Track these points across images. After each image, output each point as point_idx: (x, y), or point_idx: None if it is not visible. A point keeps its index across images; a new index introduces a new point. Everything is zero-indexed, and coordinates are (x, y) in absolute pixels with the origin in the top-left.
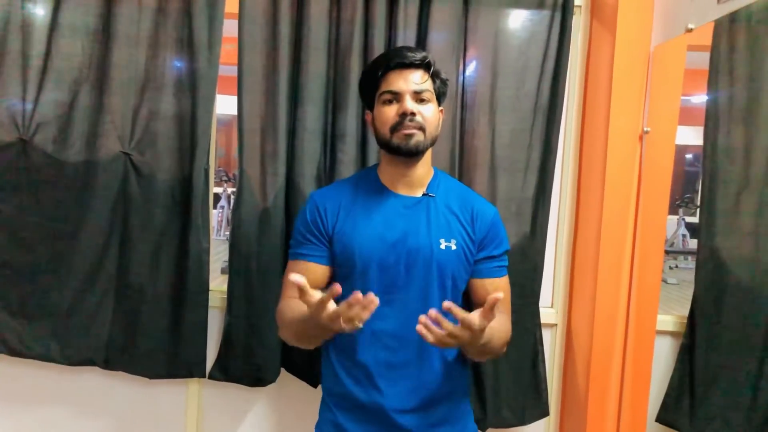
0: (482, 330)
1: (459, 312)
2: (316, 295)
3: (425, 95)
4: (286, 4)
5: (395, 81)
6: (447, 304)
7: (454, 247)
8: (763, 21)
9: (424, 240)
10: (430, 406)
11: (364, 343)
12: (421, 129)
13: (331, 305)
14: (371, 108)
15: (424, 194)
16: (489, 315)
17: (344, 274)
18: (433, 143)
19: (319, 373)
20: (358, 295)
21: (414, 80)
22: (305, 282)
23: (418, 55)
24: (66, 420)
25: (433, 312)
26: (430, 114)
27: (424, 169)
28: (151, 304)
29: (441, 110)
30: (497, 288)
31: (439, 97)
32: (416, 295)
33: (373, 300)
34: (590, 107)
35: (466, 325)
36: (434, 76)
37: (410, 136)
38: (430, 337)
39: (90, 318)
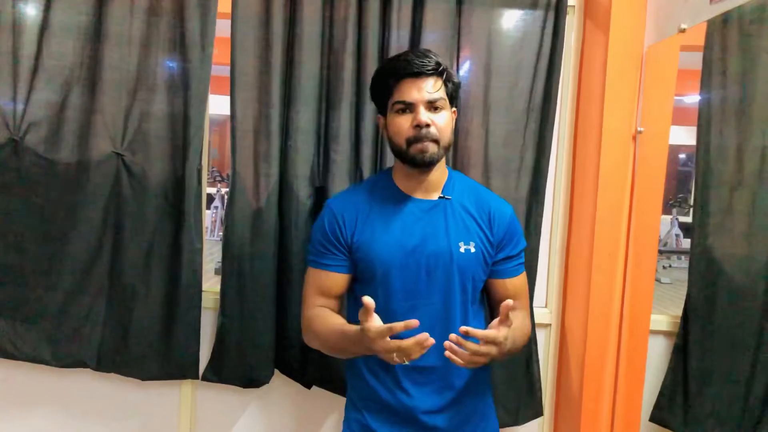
0: (506, 338)
1: (479, 333)
2: (377, 320)
3: (439, 103)
4: (279, 3)
5: (408, 91)
6: (464, 329)
7: (473, 250)
8: (755, 21)
9: (443, 244)
10: (456, 405)
11: None
12: (436, 141)
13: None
14: (383, 113)
15: (440, 197)
16: (507, 322)
17: (366, 281)
18: (448, 150)
19: (312, 374)
20: (425, 335)
21: (427, 89)
22: (373, 304)
23: (431, 63)
24: (58, 422)
25: (453, 336)
26: (443, 122)
27: (439, 173)
28: (143, 305)
29: (454, 111)
30: (516, 286)
31: (452, 99)
32: (438, 299)
33: (432, 342)
34: (583, 107)
35: (490, 342)
36: (446, 80)
37: (425, 149)
38: (459, 362)
39: (82, 319)
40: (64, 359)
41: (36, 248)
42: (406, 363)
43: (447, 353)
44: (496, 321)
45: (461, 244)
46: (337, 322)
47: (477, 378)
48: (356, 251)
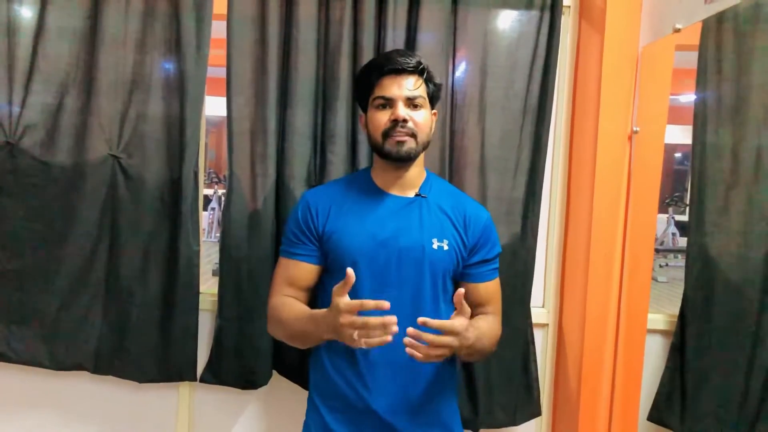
0: (465, 329)
1: (435, 323)
2: (347, 298)
3: (418, 101)
4: (275, 5)
5: (389, 87)
6: (421, 319)
7: (446, 248)
8: (749, 21)
9: (416, 239)
10: (419, 407)
11: None
12: (413, 135)
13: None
14: (365, 111)
15: (416, 195)
16: (462, 309)
17: (335, 271)
18: (425, 148)
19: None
20: (392, 318)
21: (407, 86)
22: (354, 277)
23: (412, 61)
24: (55, 426)
25: (411, 330)
26: (422, 119)
27: (416, 171)
28: (140, 308)
29: (434, 113)
30: (489, 290)
31: (432, 100)
32: (408, 294)
33: (396, 331)
34: (579, 107)
35: (449, 332)
36: (427, 80)
37: (402, 143)
38: (418, 356)
39: (79, 322)
40: (62, 362)
41: (32, 251)
42: (365, 348)
43: (408, 349)
44: (454, 314)
45: (434, 240)
46: (303, 307)
47: (443, 382)
48: (327, 241)
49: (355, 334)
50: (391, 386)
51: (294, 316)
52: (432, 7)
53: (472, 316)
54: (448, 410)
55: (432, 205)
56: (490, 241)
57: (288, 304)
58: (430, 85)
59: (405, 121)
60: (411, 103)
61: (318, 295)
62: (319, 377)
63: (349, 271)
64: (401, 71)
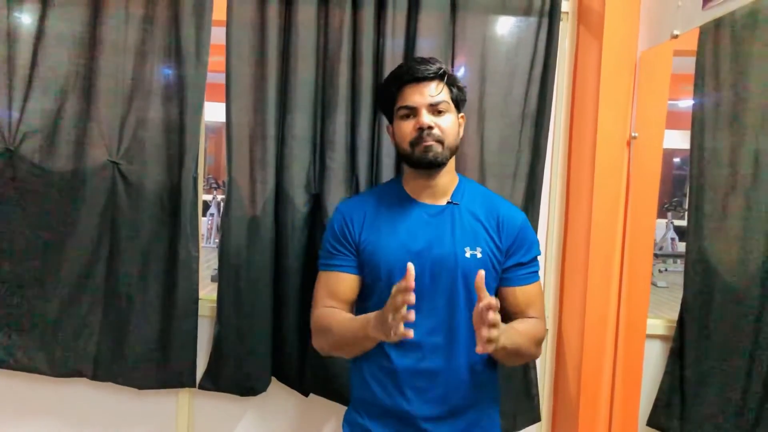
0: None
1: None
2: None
3: (442, 106)
4: (274, 11)
5: (410, 95)
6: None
7: (479, 255)
8: (747, 26)
9: (449, 248)
10: (458, 414)
11: (393, 351)
12: (439, 141)
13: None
14: (391, 121)
15: (448, 203)
16: (482, 295)
17: (371, 283)
18: (453, 153)
19: (309, 382)
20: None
21: (429, 93)
22: (413, 273)
23: (432, 68)
24: None
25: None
26: (447, 125)
27: (447, 178)
28: (140, 314)
29: (461, 116)
30: (528, 294)
31: (458, 104)
32: (443, 303)
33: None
34: (578, 112)
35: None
36: (451, 84)
37: (429, 148)
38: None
39: (78, 329)
40: (61, 369)
41: (32, 257)
42: (402, 330)
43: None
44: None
45: (467, 249)
46: (350, 314)
47: (482, 388)
48: (362, 252)
49: (390, 319)
50: (429, 394)
51: (342, 319)
52: (431, 13)
53: (510, 321)
54: (487, 417)
55: (464, 212)
56: (527, 243)
57: (334, 312)
58: (454, 90)
59: (430, 128)
60: (435, 109)
61: (356, 310)
62: (360, 385)
63: (410, 265)
64: (421, 79)
